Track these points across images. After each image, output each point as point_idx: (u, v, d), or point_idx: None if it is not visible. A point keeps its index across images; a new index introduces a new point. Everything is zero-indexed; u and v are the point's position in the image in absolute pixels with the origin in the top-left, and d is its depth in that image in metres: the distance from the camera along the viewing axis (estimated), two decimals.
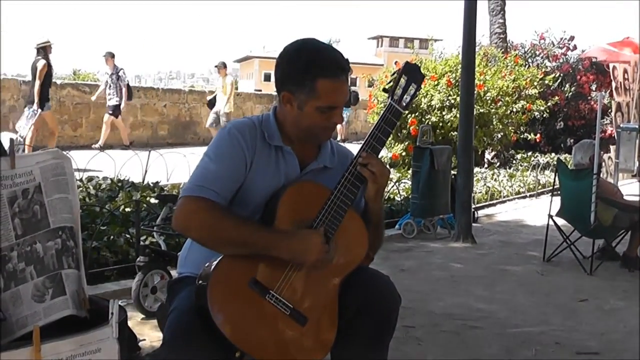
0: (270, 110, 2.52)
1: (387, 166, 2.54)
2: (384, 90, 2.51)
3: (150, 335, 3.93)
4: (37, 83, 11.52)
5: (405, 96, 2.41)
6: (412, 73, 2.43)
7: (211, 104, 16.49)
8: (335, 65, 2.35)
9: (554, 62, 17.88)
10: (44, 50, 11.79)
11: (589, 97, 16.97)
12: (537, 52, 18.18)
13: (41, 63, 11.65)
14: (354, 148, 2.46)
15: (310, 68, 2.32)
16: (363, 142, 2.39)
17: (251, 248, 2.22)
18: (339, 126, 16.10)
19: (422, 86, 12.39)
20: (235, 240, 2.22)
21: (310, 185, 2.41)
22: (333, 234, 2.31)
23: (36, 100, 11.54)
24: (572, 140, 16.18)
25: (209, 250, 2.27)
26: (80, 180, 7.68)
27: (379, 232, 2.56)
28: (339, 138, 19.28)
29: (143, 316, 4.35)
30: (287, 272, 2.25)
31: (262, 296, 2.21)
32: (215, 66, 16.60)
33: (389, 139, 11.33)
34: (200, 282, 2.20)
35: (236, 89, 19.34)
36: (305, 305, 2.26)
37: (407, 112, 12.21)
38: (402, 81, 2.41)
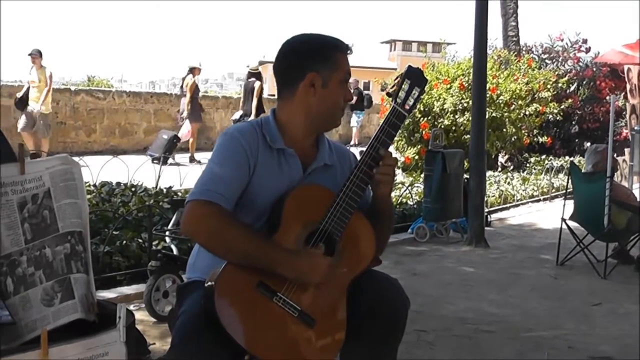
0: (269, 114, 2.53)
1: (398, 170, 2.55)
2: (388, 94, 2.53)
3: (161, 339, 3.93)
4: (188, 96, 13.80)
5: (408, 99, 2.43)
6: (415, 77, 2.45)
7: (22, 102, 12.58)
8: (341, 41, 2.52)
9: (569, 65, 17.77)
10: (192, 71, 14.05)
11: (604, 100, 16.86)
12: (552, 55, 18.08)
13: (190, 80, 13.90)
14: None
15: (328, 44, 2.48)
16: (367, 145, 2.40)
17: (254, 262, 2.22)
18: (354, 130, 16.07)
19: (435, 90, 12.42)
20: (240, 251, 2.22)
21: (315, 188, 2.42)
22: (340, 236, 2.31)
23: (185, 112, 13.92)
24: (587, 144, 16.08)
25: None
26: (94, 185, 7.72)
27: (391, 223, 2.61)
28: (352, 142, 19.25)
29: (155, 320, 4.37)
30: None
31: (269, 299, 2.21)
32: (29, 54, 12.43)
33: (402, 142, 11.33)
34: (208, 285, 2.21)
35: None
36: (313, 307, 2.25)
37: (416, 115, 12.32)
38: (405, 85, 2.44)
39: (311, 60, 2.44)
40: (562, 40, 18.06)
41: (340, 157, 2.58)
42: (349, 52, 2.51)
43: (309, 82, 2.43)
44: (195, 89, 14.12)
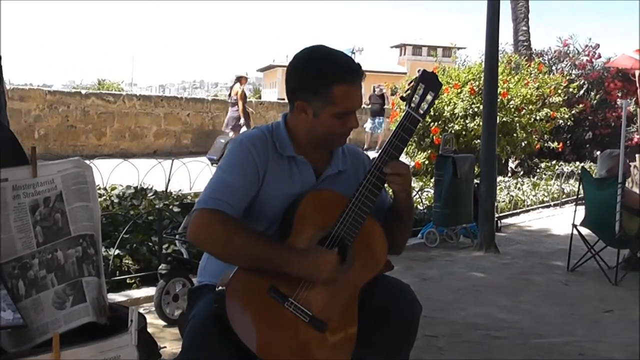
0: (280, 119, 2.51)
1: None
2: (402, 98, 2.51)
3: (171, 343, 3.94)
4: (241, 104, 14.48)
5: (422, 104, 2.40)
6: (429, 81, 2.42)
7: None
8: (350, 70, 2.35)
9: (580, 70, 17.69)
10: (239, 80, 14.80)
11: (616, 105, 16.78)
12: (562, 60, 18.00)
13: (239, 89, 14.63)
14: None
15: (325, 75, 2.32)
16: (381, 150, 2.38)
17: (263, 264, 2.22)
18: (369, 135, 16.00)
19: (445, 94, 12.38)
20: (247, 255, 2.22)
21: (328, 193, 2.41)
22: (352, 241, 2.30)
23: (242, 119, 14.47)
24: (598, 151, 16.01)
25: None
26: (104, 188, 7.74)
27: (409, 224, 2.58)
28: (365, 146, 19.22)
29: (165, 323, 4.37)
30: (306, 280, 2.25)
31: (281, 303, 2.21)
32: None
33: (412, 147, 11.30)
34: (219, 289, 2.21)
35: (259, 97, 19.55)
36: (324, 312, 2.25)
37: (427, 119, 12.28)
38: (420, 89, 2.40)
39: (302, 89, 2.37)
40: (567, 46, 17.96)
41: (354, 160, 2.56)
42: (356, 82, 2.35)
43: (299, 108, 2.39)
44: (244, 96, 14.83)
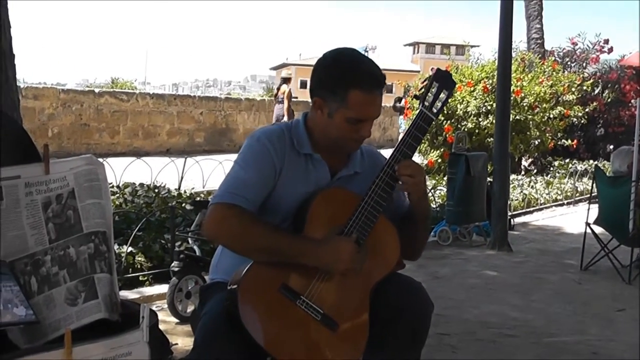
0: (300, 117, 2.52)
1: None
2: (415, 97, 2.48)
3: (183, 340, 3.95)
4: (286, 103, 15.13)
5: (436, 103, 2.38)
6: (443, 80, 2.41)
7: None
8: (371, 78, 2.34)
9: (593, 67, 17.57)
10: (286, 81, 15.74)
11: (629, 104, 16.67)
12: (573, 58, 17.90)
13: (287, 89, 15.37)
14: (389, 154, 2.43)
15: (345, 77, 2.32)
16: (394, 149, 2.37)
17: (280, 255, 2.22)
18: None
19: (458, 92, 12.35)
20: (264, 247, 2.22)
21: (340, 192, 2.40)
22: (364, 240, 2.30)
23: (286, 117, 14.93)
24: (611, 147, 15.92)
25: (240, 257, 2.27)
26: (117, 186, 7.77)
27: (425, 229, 2.56)
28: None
29: (177, 321, 4.39)
30: (318, 278, 2.25)
31: (292, 301, 2.20)
32: None
33: (425, 145, 11.27)
34: (231, 287, 2.21)
35: (271, 95, 19.70)
36: (336, 310, 2.25)
37: (440, 117, 12.26)
38: (434, 88, 2.39)
39: (321, 87, 2.38)
40: (575, 45, 17.84)
41: (371, 162, 2.52)
42: (375, 92, 2.33)
43: (317, 105, 2.40)
44: (290, 96, 15.58)
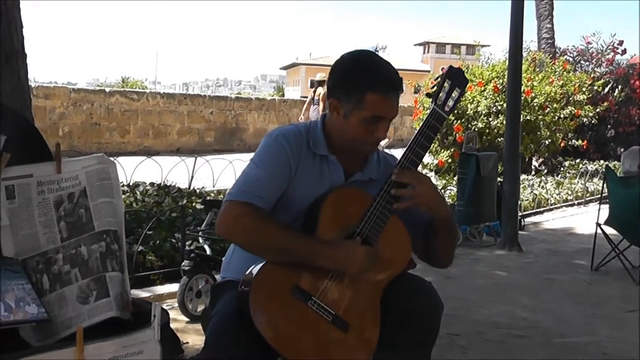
0: (319, 118, 2.51)
1: (428, 174, 2.42)
2: (427, 95, 2.45)
3: (194, 339, 3.96)
4: (322, 105, 14.82)
5: (448, 101, 2.37)
6: (456, 77, 2.39)
7: None
8: (387, 81, 2.33)
9: (605, 68, 17.49)
10: (321, 83, 15.43)
11: None
12: (586, 57, 17.80)
13: (322, 92, 14.91)
14: (400, 154, 2.42)
15: (361, 80, 2.31)
16: (406, 147, 2.36)
17: (294, 256, 2.22)
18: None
19: (469, 92, 12.30)
20: (278, 247, 2.22)
21: (353, 192, 2.40)
22: (376, 240, 2.30)
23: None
24: (622, 149, 15.85)
25: (252, 256, 2.28)
26: (128, 185, 7.80)
27: (450, 237, 2.51)
28: (384, 143, 19.21)
29: (187, 320, 4.40)
30: (330, 279, 2.25)
31: (304, 302, 2.20)
32: None
33: (435, 145, 11.23)
34: (242, 287, 2.21)
35: (282, 95, 19.81)
36: (347, 311, 2.25)
37: (450, 117, 12.23)
38: (446, 86, 2.37)
39: (338, 89, 2.38)
40: (589, 43, 17.74)
41: (387, 170, 2.43)
42: (391, 95, 2.32)
43: (332, 106, 2.40)
44: (326, 98, 15.63)
